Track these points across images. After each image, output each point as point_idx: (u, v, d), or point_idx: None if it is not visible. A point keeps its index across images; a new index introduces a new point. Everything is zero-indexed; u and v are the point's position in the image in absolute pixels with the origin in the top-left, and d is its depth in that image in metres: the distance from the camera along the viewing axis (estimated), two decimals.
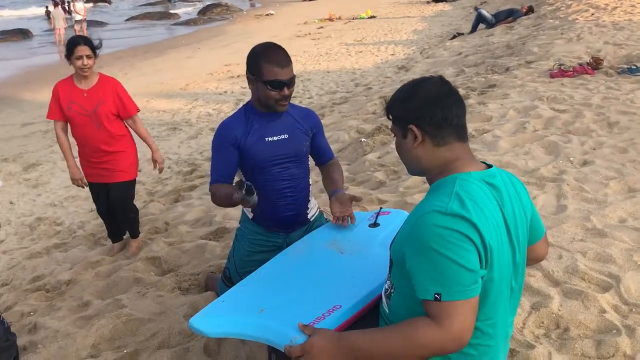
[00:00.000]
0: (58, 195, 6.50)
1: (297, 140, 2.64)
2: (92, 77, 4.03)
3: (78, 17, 21.80)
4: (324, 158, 2.84)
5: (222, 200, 2.52)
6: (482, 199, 1.58)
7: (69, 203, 6.23)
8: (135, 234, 4.39)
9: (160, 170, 4.34)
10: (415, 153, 1.69)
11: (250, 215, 2.80)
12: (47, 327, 3.28)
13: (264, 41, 2.58)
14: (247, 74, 2.53)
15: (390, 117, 1.76)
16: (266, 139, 2.57)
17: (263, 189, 2.58)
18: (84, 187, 4.25)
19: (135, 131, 4.20)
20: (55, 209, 6.08)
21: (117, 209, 4.25)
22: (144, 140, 4.25)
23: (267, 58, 2.44)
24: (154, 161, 4.28)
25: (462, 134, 1.69)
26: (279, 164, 2.60)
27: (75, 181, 4.18)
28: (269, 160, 2.57)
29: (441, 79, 1.73)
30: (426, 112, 1.65)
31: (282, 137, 2.60)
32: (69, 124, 4.07)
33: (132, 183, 4.26)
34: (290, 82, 2.47)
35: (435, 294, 1.49)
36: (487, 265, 1.54)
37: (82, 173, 4.18)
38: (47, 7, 29.58)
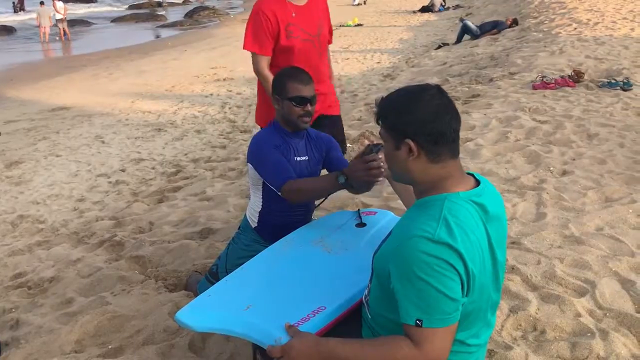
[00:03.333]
0: (41, 193, 6.46)
1: (314, 163, 2.78)
2: None
3: (59, 16, 21.71)
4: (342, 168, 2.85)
5: (318, 192, 2.58)
6: (469, 223, 1.59)
7: (51, 201, 6.20)
8: None
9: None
10: (407, 166, 1.68)
11: (254, 225, 2.85)
12: (30, 323, 3.28)
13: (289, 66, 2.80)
14: (273, 95, 2.69)
15: (382, 124, 1.73)
16: (296, 157, 2.69)
17: (279, 203, 2.66)
18: None
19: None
20: (38, 206, 6.05)
21: None
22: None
23: (291, 77, 2.63)
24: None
25: (456, 150, 1.68)
26: None
27: None
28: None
29: (439, 90, 1.69)
30: (425, 127, 1.62)
31: (304, 158, 2.73)
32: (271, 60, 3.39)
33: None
34: (312, 99, 2.62)
35: (417, 319, 1.53)
36: (469, 292, 1.57)
37: None
38: None
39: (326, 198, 2.76)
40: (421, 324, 1.52)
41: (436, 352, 1.53)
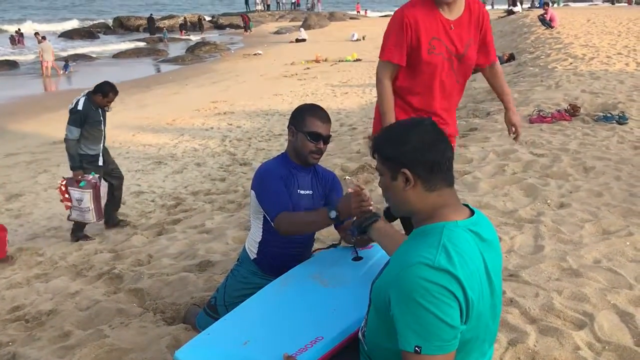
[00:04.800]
0: (40, 226, 6.48)
1: (317, 198, 2.81)
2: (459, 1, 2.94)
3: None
4: None
5: (309, 226, 2.60)
6: (467, 251, 1.61)
7: (51, 234, 6.21)
8: None
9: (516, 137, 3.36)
10: (404, 196, 1.71)
11: (253, 256, 2.87)
12: (27, 357, 3.26)
13: (307, 103, 2.83)
14: (289, 126, 2.74)
15: (378, 157, 1.77)
16: (299, 190, 2.73)
17: (277, 235, 2.66)
18: None
19: (495, 83, 3.33)
20: (37, 239, 6.06)
21: None
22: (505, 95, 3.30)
23: (311, 112, 2.68)
24: (513, 125, 3.32)
25: (450, 180, 1.72)
26: None
27: None
28: (295, 211, 2.66)
29: (432, 123, 1.74)
30: (421, 156, 1.67)
31: (308, 192, 2.77)
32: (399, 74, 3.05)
33: None
34: (326, 138, 2.68)
35: (416, 346, 1.53)
36: (468, 319, 1.59)
37: None
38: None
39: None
40: (420, 350, 1.53)
41: None
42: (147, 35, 37.61)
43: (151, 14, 42.59)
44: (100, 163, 5.99)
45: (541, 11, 20.11)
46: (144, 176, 8.15)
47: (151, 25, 39.19)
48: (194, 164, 8.62)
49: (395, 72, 3.04)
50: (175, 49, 31.04)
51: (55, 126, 12.17)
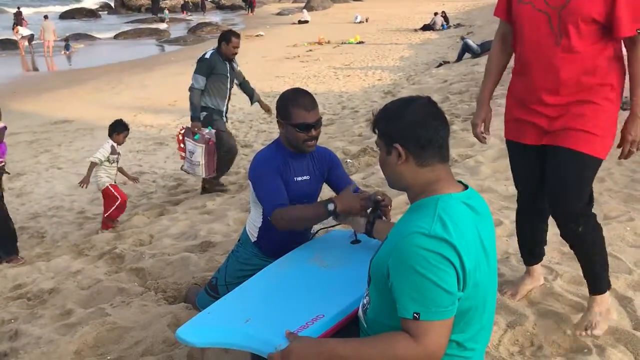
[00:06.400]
0: (42, 205, 6.50)
1: (315, 183, 2.79)
2: None
3: (26, 32, 22.21)
4: (343, 185, 2.80)
5: (306, 221, 2.60)
6: (463, 220, 1.65)
7: (52, 213, 6.23)
8: None
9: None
10: (398, 170, 1.75)
11: (253, 239, 2.88)
12: (29, 334, 3.29)
13: (292, 88, 2.78)
14: (277, 118, 2.69)
15: (376, 131, 1.81)
16: (295, 178, 2.70)
17: None
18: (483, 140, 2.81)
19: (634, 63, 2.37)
20: (38, 218, 6.08)
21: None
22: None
23: (295, 103, 2.60)
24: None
25: (444, 156, 1.75)
26: (298, 203, 2.67)
27: (475, 134, 2.86)
28: (293, 198, 2.64)
29: (429, 100, 1.77)
30: (412, 132, 1.70)
31: (305, 178, 2.73)
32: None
33: (592, 163, 2.43)
34: (316, 124, 2.63)
35: (414, 313, 1.57)
36: (465, 287, 1.61)
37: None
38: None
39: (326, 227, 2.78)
40: (418, 317, 1.56)
41: (434, 345, 1.57)
42: (149, 15, 37.37)
43: None
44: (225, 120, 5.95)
45: None
46: (146, 157, 8.15)
47: (155, 6, 38.92)
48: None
49: (506, 33, 2.57)
50: (177, 30, 30.88)
51: (56, 106, 12.20)
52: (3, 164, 4.85)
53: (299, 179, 2.72)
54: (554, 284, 3.06)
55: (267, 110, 6.51)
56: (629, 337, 2.61)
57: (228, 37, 5.85)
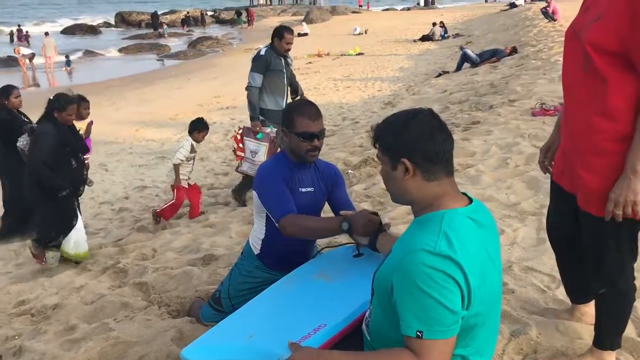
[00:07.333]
0: None
1: (319, 195, 2.80)
2: None
3: (27, 52, 22.45)
4: (343, 208, 2.76)
5: (316, 233, 2.64)
6: (468, 237, 1.64)
7: None
8: None
9: None
10: (404, 185, 1.73)
11: (257, 251, 2.88)
12: (33, 350, 3.28)
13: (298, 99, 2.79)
14: (281, 127, 2.73)
15: (378, 146, 1.79)
16: (300, 189, 2.71)
17: (280, 234, 2.64)
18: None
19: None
20: None
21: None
22: None
23: (299, 112, 2.65)
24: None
25: (450, 169, 1.74)
26: (301, 214, 2.67)
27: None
28: (297, 209, 2.63)
29: (431, 113, 1.76)
30: (420, 146, 1.68)
31: (309, 189, 2.75)
32: None
33: (608, 230, 2.11)
34: (320, 134, 2.67)
35: (418, 331, 1.56)
36: (469, 305, 1.61)
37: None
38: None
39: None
40: (422, 335, 1.56)
41: None
42: (150, 30, 37.62)
43: (155, 10, 42.65)
44: None
45: (544, 4, 20.03)
46: (148, 171, 8.18)
47: (155, 21, 39.18)
48: (197, 158, 8.63)
49: None
50: (177, 44, 31.03)
51: None
52: (87, 159, 4.86)
53: (304, 190, 2.73)
54: (557, 292, 3.06)
55: None
56: (635, 344, 2.61)
57: (281, 33, 5.85)
